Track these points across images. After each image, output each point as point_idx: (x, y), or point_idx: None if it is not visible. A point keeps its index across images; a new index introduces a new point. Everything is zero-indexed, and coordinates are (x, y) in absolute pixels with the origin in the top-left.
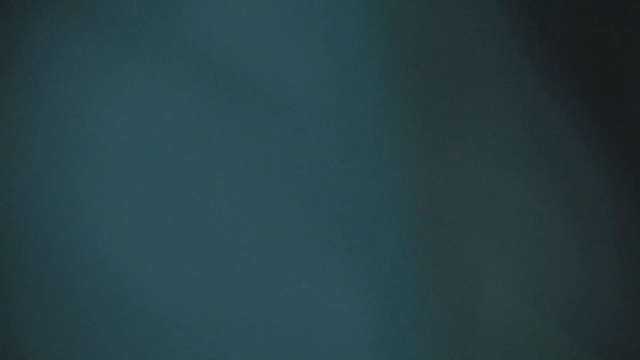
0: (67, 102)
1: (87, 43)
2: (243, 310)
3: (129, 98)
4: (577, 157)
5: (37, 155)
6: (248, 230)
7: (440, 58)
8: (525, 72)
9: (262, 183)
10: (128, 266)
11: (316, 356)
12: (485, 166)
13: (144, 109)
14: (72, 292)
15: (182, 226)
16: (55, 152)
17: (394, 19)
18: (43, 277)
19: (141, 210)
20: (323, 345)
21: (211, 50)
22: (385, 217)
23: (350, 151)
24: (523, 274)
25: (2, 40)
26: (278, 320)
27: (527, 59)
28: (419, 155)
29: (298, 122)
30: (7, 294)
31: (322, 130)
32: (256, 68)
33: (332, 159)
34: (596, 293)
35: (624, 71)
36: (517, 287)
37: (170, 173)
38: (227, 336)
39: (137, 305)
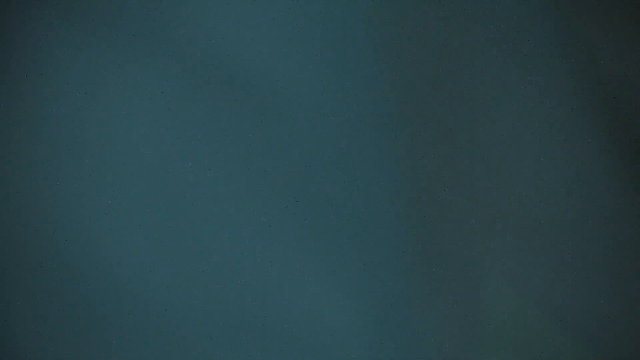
0: (66, 102)
1: (86, 43)
2: (241, 310)
3: (128, 98)
4: (577, 157)
5: (37, 155)
6: (246, 230)
7: (440, 57)
8: (525, 71)
9: (259, 182)
10: (126, 265)
11: (315, 356)
12: (485, 165)
13: (144, 109)
14: (71, 292)
15: (180, 225)
16: (54, 152)
17: (393, 19)
18: (43, 277)
19: (140, 209)
20: (322, 345)
21: (210, 50)
22: (383, 216)
23: (348, 150)
24: (523, 273)
25: (2, 40)
26: (276, 320)
27: (527, 59)
28: (417, 155)
29: (295, 121)
30: (7, 294)
31: (319, 130)
32: (255, 68)
33: (331, 159)
34: (596, 293)
35: (624, 71)
36: (517, 287)
37: (169, 173)
38: (225, 336)
39: (136, 304)
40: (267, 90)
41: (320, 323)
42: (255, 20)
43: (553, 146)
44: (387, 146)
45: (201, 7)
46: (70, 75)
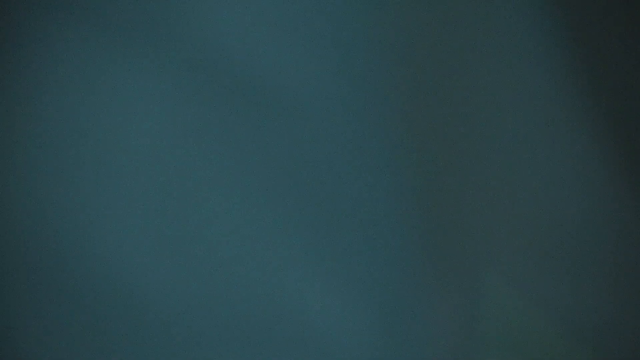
0: (66, 102)
1: (87, 42)
2: (244, 311)
3: (128, 98)
4: (578, 157)
5: (37, 155)
6: (248, 231)
7: (442, 58)
8: (525, 71)
9: (262, 183)
10: (127, 265)
11: (317, 356)
12: (486, 166)
13: (144, 108)
14: (71, 292)
15: (181, 225)
16: (53, 152)
17: (395, 20)
18: (43, 278)
19: (140, 209)
20: (324, 346)
21: (212, 50)
22: (386, 217)
23: (350, 151)
24: (523, 273)
25: (2, 40)
26: (278, 321)
27: (527, 59)
28: (418, 155)
29: (298, 121)
30: (7, 295)
31: (322, 130)
32: (256, 68)
33: (332, 159)
34: (596, 292)
35: (625, 71)
36: (517, 287)
37: (170, 173)
38: (226, 337)
39: (136, 305)
40: (268, 90)
41: (322, 323)
42: (257, 20)
43: (553, 146)
44: (390, 149)
45: (202, 6)
46: (70, 75)
